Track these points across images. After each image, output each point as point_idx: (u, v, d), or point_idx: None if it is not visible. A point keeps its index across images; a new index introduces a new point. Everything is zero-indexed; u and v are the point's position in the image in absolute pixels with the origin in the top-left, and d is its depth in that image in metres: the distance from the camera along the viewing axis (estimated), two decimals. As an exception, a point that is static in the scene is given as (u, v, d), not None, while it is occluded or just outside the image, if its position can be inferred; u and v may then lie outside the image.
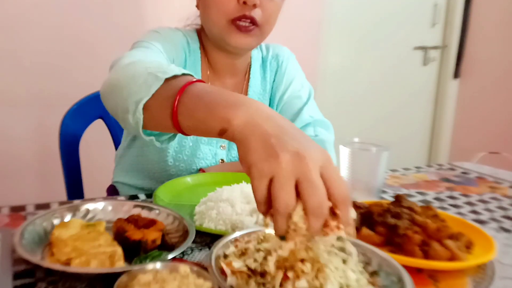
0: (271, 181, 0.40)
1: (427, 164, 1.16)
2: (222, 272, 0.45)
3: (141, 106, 0.55)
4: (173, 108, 0.51)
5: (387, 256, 0.50)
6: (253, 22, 0.86)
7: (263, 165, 0.41)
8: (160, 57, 0.83)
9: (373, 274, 0.49)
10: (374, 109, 2.66)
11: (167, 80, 0.55)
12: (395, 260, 0.49)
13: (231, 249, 0.49)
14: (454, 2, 2.68)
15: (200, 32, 0.99)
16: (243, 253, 0.48)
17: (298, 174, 0.40)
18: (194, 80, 0.54)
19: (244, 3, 0.84)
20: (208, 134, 0.49)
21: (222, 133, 0.47)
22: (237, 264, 0.45)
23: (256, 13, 0.86)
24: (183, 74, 0.56)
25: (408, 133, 2.80)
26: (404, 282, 0.45)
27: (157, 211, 0.66)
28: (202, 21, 0.94)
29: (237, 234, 0.53)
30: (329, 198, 0.41)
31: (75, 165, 1.14)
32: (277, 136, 0.42)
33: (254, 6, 0.85)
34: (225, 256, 0.48)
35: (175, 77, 0.55)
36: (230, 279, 0.45)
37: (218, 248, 0.49)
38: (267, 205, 0.42)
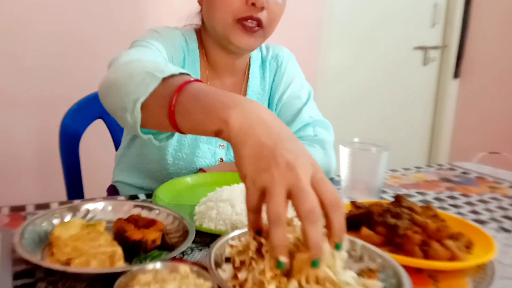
0: (264, 191, 0.42)
1: (427, 164, 1.16)
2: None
3: (139, 105, 0.56)
4: (170, 108, 0.52)
5: (387, 256, 0.50)
6: (259, 23, 0.87)
7: (256, 177, 0.43)
8: (158, 56, 0.83)
9: (371, 271, 0.49)
10: (374, 109, 2.66)
11: (164, 79, 0.55)
12: (395, 260, 0.49)
13: (228, 251, 0.49)
14: (454, 2, 2.68)
15: (200, 32, 0.99)
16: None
17: (289, 184, 0.41)
18: (192, 79, 0.54)
19: (253, 4, 0.84)
20: (205, 134, 0.50)
21: (218, 134, 0.48)
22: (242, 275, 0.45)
23: (263, 15, 0.87)
24: (181, 74, 0.57)
25: (408, 133, 2.80)
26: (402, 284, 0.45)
27: (157, 211, 0.66)
28: (205, 18, 0.94)
29: (232, 234, 0.53)
30: (321, 206, 0.42)
31: (75, 165, 1.14)
32: (270, 147, 0.43)
33: (262, 8, 0.85)
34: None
35: (172, 76, 0.56)
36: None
37: (216, 249, 0.49)
38: (257, 215, 0.44)
